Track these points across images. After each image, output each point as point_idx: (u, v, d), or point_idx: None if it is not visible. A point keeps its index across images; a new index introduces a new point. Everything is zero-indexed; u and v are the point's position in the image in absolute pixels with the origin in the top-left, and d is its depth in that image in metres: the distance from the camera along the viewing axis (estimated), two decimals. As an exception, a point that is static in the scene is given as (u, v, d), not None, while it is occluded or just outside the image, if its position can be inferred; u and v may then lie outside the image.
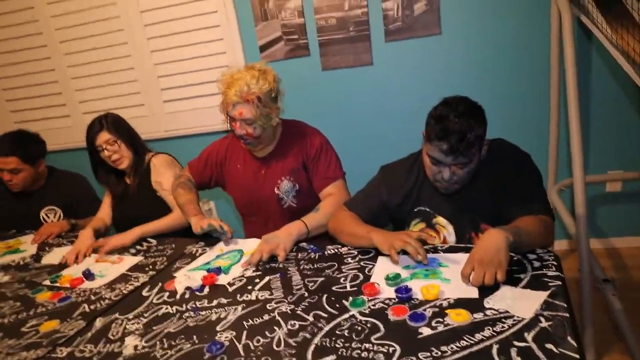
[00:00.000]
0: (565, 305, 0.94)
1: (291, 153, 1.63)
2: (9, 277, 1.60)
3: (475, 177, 1.32)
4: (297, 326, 1.02)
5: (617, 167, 2.45)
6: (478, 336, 0.88)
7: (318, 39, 2.53)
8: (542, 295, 0.97)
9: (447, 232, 1.37)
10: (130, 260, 1.58)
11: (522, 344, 0.84)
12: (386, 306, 1.04)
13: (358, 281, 1.17)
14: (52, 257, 1.73)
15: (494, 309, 0.96)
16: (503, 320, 0.92)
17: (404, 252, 1.30)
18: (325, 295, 1.13)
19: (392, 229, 1.51)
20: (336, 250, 1.40)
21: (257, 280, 1.28)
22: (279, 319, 1.06)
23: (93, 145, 1.87)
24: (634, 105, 2.34)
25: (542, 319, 0.90)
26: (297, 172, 1.63)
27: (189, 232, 1.84)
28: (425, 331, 0.92)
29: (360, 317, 1.01)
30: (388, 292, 1.09)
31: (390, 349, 0.89)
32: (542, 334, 0.86)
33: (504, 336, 0.87)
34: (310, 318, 1.04)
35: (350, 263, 1.29)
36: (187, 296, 1.25)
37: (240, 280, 1.30)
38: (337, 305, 1.07)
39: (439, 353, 0.85)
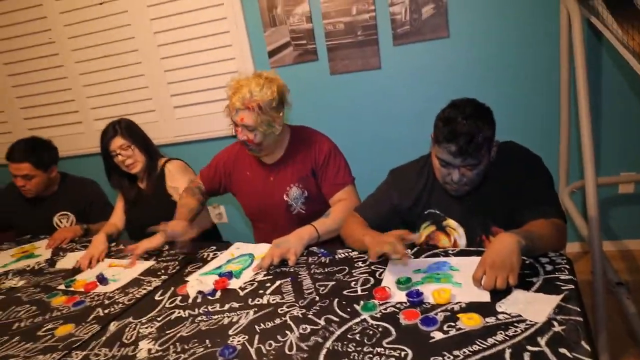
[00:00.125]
0: (579, 309, 0.93)
1: (300, 160, 1.64)
2: (25, 281, 1.63)
3: (486, 180, 1.32)
4: (308, 330, 1.03)
5: (629, 168, 2.43)
6: (490, 340, 0.88)
7: (326, 44, 2.54)
8: (555, 299, 0.97)
9: (458, 234, 1.37)
10: (142, 265, 1.60)
11: (536, 349, 0.83)
12: (397, 310, 1.04)
13: (369, 285, 1.18)
14: (66, 262, 1.75)
15: (506, 313, 0.95)
16: (515, 324, 0.91)
17: (416, 256, 1.31)
18: (336, 300, 1.13)
19: None
20: (347, 254, 1.40)
21: (268, 285, 1.29)
22: (291, 323, 1.07)
23: (107, 150, 1.90)
24: (646, 106, 2.32)
25: (555, 323, 0.90)
26: (306, 179, 1.64)
27: (203, 237, 1.87)
28: (437, 335, 0.92)
29: (371, 321, 1.01)
30: (399, 296, 1.10)
31: (402, 353, 0.89)
32: (555, 338, 0.86)
33: (516, 340, 0.87)
34: (322, 322, 1.05)
35: (360, 267, 1.30)
36: (199, 300, 1.27)
37: (252, 285, 1.31)
38: (349, 310, 1.08)
39: (451, 357, 0.85)
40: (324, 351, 0.94)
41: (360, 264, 1.32)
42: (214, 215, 2.50)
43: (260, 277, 1.34)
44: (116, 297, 1.38)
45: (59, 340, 1.17)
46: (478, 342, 0.88)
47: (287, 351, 0.96)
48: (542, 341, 0.85)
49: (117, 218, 2.03)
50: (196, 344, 1.05)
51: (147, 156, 1.94)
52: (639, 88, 2.27)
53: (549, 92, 2.36)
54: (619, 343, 1.82)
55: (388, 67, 2.52)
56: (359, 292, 1.15)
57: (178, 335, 1.10)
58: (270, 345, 1.00)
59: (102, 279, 1.49)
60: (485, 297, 1.02)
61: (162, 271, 1.52)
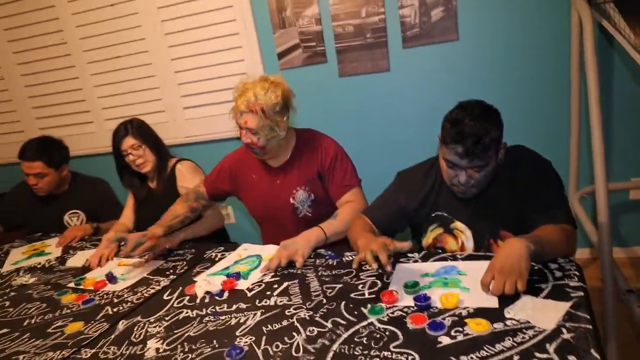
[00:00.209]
0: (588, 317, 0.92)
1: (306, 163, 1.64)
2: (35, 278, 1.65)
3: (495, 183, 1.32)
4: (315, 332, 1.03)
5: (640, 174, 2.40)
6: (498, 346, 0.87)
7: (335, 46, 2.54)
8: (564, 306, 0.96)
9: (465, 237, 1.36)
10: (151, 264, 1.61)
11: (544, 356, 0.83)
12: (405, 314, 1.04)
13: (376, 288, 1.17)
14: (76, 260, 1.77)
15: (514, 319, 0.95)
16: (524, 330, 0.91)
17: (423, 259, 1.30)
18: (343, 302, 1.13)
19: (410, 234, 1.51)
20: (354, 257, 1.40)
21: (276, 286, 1.29)
22: (298, 325, 1.07)
23: (119, 149, 1.92)
24: (658, 111, 2.29)
25: (564, 330, 0.89)
26: (313, 181, 1.64)
27: (211, 237, 1.88)
28: (445, 340, 0.92)
29: (378, 325, 1.01)
30: (406, 300, 1.09)
31: (410, 358, 0.89)
32: (564, 345, 0.85)
33: (525, 347, 0.86)
34: (329, 325, 1.05)
35: (368, 270, 1.29)
36: (207, 300, 1.28)
37: (259, 286, 1.31)
38: (356, 313, 1.08)
39: (459, 362, 0.85)
40: (330, 354, 0.94)
41: (367, 266, 1.32)
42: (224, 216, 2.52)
43: (267, 279, 1.35)
44: (125, 295, 1.39)
45: (68, 338, 1.19)
46: (486, 348, 0.87)
47: (294, 353, 0.97)
48: (551, 348, 0.84)
49: (127, 217, 2.05)
50: (204, 344, 1.05)
51: (158, 156, 1.96)
52: (651, 93, 2.25)
53: (559, 96, 2.34)
54: (629, 351, 1.80)
55: (397, 69, 2.52)
56: (367, 295, 1.15)
57: (186, 335, 1.11)
58: (277, 346, 1.00)
59: (111, 278, 1.51)
60: (493, 302, 1.02)
61: (171, 271, 1.53)
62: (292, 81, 2.63)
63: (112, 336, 1.16)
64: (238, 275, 1.38)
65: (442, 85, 2.49)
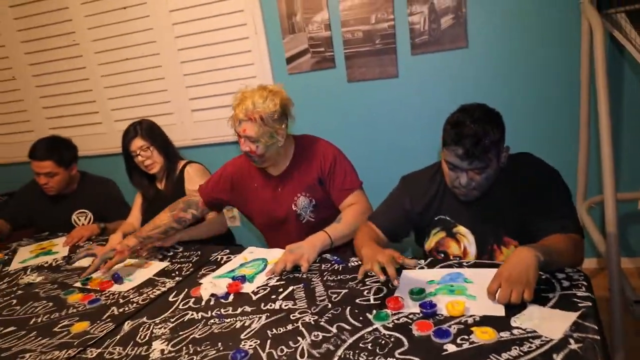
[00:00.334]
0: (596, 327, 0.91)
1: (306, 169, 1.64)
2: (42, 277, 1.66)
3: (499, 189, 1.31)
4: (320, 337, 1.03)
5: (649, 184, 2.38)
6: (505, 355, 0.87)
7: (344, 52, 2.55)
8: (572, 316, 0.95)
9: (468, 241, 1.36)
10: (157, 266, 1.62)
11: (551, 365, 0.82)
12: (410, 321, 1.03)
13: (382, 294, 1.17)
14: (83, 260, 1.78)
15: (521, 328, 0.94)
16: (531, 340, 0.90)
17: (429, 266, 1.30)
18: (348, 308, 1.13)
19: (414, 239, 1.51)
20: (360, 263, 1.39)
21: (281, 290, 1.29)
22: (303, 329, 1.07)
23: (128, 150, 1.94)
24: (668, 122, 2.27)
25: (571, 340, 0.88)
26: (313, 187, 1.64)
27: (217, 240, 1.89)
28: (450, 348, 0.92)
29: (384, 331, 1.01)
30: (412, 306, 1.09)
31: (415, 365, 0.88)
32: (571, 355, 0.84)
33: (531, 356, 0.85)
34: (334, 330, 1.05)
35: (374, 276, 1.29)
36: (212, 303, 1.28)
37: (265, 289, 1.31)
38: (361, 318, 1.08)
39: (464, 371, 0.85)
40: (335, 359, 0.94)
41: (373, 272, 1.31)
42: (228, 219, 2.52)
43: (273, 282, 1.35)
44: (131, 296, 1.40)
45: (74, 337, 1.19)
46: (492, 357, 0.87)
47: (298, 357, 0.97)
48: (558, 358, 0.84)
49: (134, 218, 2.06)
50: (208, 347, 1.05)
51: (166, 158, 1.98)
52: (661, 103, 2.23)
53: (569, 105, 2.33)
54: (636, 363, 1.78)
55: (405, 76, 2.52)
56: (372, 301, 1.15)
57: (191, 337, 1.11)
58: (282, 350, 1.00)
59: (117, 278, 1.51)
60: (499, 311, 1.01)
61: (176, 273, 1.54)
62: (301, 86, 2.68)
63: (118, 336, 1.16)
64: (243, 279, 1.38)
65: (451, 93, 2.48)
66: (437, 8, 2.36)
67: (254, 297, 1.27)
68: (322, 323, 1.08)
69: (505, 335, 0.93)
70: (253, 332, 1.09)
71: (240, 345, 1.04)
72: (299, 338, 1.04)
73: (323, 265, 1.41)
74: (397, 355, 0.92)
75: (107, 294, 1.44)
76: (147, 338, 1.14)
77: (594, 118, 2.15)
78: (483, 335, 0.93)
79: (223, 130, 2.86)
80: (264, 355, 0.99)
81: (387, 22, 2.44)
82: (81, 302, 1.40)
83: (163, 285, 1.45)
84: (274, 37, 2.65)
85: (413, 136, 2.60)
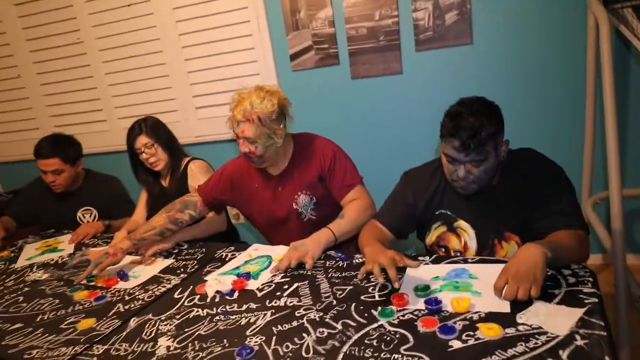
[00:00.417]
0: (602, 324, 0.91)
1: (305, 167, 1.64)
2: (48, 274, 1.67)
3: (501, 184, 1.31)
4: (325, 334, 1.03)
5: (655, 180, 2.37)
6: (510, 351, 0.86)
7: (348, 48, 2.55)
8: (578, 312, 0.95)
9: (468, 236, 1.36)
10: (162, 263, 1.63)
11: (557, 362, 0.82)
12: (415, 317, 1.03)
13: (386, 291, 1.17)
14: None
15: (526, 325, 0.94)
16: (536, 336, 0.90)
17: (433, 262, 1.30)
18: (353, 304, 1.13)
19: (416, 234, 1.51)
20: (364, 260, 1.40)
21: (286, 287, 1.29)
22: (308, 326, 1.07)
23: (132, 147, 1.95)
24: (674, 118, 2.26)
25: (577, 336, 0.88)
26: (313, 185, 1.64)
27: (221, 237, 1.89)
28: (456, 344, 0.91)
29: (389, 327, 1.01)
30: (417, 303, 1.09)
31: (420, 361, 0.88)
32: (577, 352, 0.84)
33: (537, 352, 0.85)
34: (339, 326, 1.05)
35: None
36: (217, 300, 1.28)
37: (269, 286, 1.32)
38: (366, 315, 1.08)
39: (470, 367, 0.84)
40: (340, 355, 0.94)
41: (374, 278, 1.31)
42: (232, 216, 2.52)
43: (277, 279, 1.35)
44: (136, 293, 1.41)
45: (80, 334, 1.20)
46: (497, 353, 0.86)
47: (304, 354, 0.97)
48: (564, 354, 0.84)
49: (139, 215, 2.07)
50: (214, 343, 1.06)
51: (170, 155, 1.98)
52: (668, 98, 2.22)
53: (574, 101, 2.32)
54: (642, 360, 1.77)
55: (409, 72, 2.52)
56: (377, 298, 1.15)
57: (196, 333, 1.11)
58: (287, 347, 1.00)
59: (122, 275, 1.52)
60: (505, 307, 1.01)
61: (181, 270, 1.54)
62: (304, 83, 2.68)
63: (124, 333, 1.17)
64: (248, 275, 1.38)
65: (455, 89, 2.44)
66: (442, 4, 2.34)
67: (259, 294, 1.28)
68: (327, 320, 1.08)
69: (510, 331, 0.92)
70: (258, 328, 1.10)
71: (246, 342, 1.04)
72: (304, 334, 1.04)
73: (328, 262, 1.42)
74: (403, 352, 0.92)
75: (112, 291, 1.45)
76: (152, 334, 1.14)
77: (600, 114, 2.14)
78: (488, 332, 0.92)
79: (227, 127, 2.87)
80: (269, 352, 0.99)
81: (391, 18, 2.43)
82: (87, 299, 1.41)
83: (168, 282, 1.46)
84: (277, 34, 2.65)
85: (417, 133, 2.59)
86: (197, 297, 1.32)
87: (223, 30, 2.71)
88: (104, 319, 1.26)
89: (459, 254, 1.38)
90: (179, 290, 1.38)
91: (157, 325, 1.18)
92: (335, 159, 1.63)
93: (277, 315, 1.15)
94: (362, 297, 1.16)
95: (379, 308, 1.09)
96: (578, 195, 2.34)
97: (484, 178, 1.27)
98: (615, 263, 1.69)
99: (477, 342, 0.91)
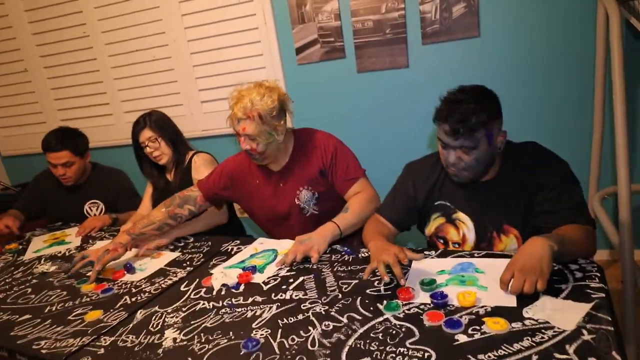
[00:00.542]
0: (610, 319, 0.90)
1: (306, 163, 1.64)
2: (56, 267, 1.69)
3: (501, 176, 1.31)
4: (331, 327, 1.03)
5: (664, 176, 2.34)
6: (516, 346, 0.86)
7: (354, 42, 2.53)
8: (585, 307, 0.94)
9: (467, 228, 1.36)
10: (168, 256, 1.63)
11: (563, 356, 0.82)
12: (421, 311, 1.03)
13: (392, 285, 1.17)
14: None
15: (533, 319, 0.93)
16: (543, 330, 0.90)
17: (439, 256, 1.30)
18: (359, 298, 1.13)
19: (417, 225, 1.51)
20: (369, 254, 1.39)
21: (292, 280, 1.30)
22: (313, 319, 1.08)
23: (137, 141, 1.95)
24: (685, 112, 2.23)
25: (584, 331, 0.87)
26: (315, 180, 1.63)
27: (222, 230, 1.89)
28: (462, 338, 0.91)
29: (394, 321, 1.01)
30: (423, 297, 1.09)
31: (426, 354, 0.88)
32: (584, 346, 0.83)
33: (543, 347, 0.85)
34: (345, 320, 1.05)
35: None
36: (223, 293, 1.29)
37: (275, 280, 1.32)
38: (372, 308, 1.08)
39: (476, 361, 0.84)
40: (346, 348, 0.94)
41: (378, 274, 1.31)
42: (238, 210, 2.52)
43: (283, 273, 1.35)
44: (143, 286, 1.42)
45: (88, 325, 1.21)
46: (504, 347, 0.86)
47: (309, 347, 0.97)
48: (571, 349, 0.83)
49: (145, 209, 2.08)
50: (220, 336, 1.06)
51: (174, 149, 1.98)
52: (678, 92, 2.19)
53: (582, 95, 2.29)
54: (649, 355, 1.76)
55: (416, 65, 2.50)
56: (382, 292, 1.15)
57: (202, 326, 1.12)
58: (293, 340, 1.00)
59: (129, 268, 1.53)
60: (511, 302, 1.00)
61: (187, 263, 1.55)
62: (310, 76, 2.67)
63: (131, 325, 1.18)
64: (254, 269, 1.39)
65: (462, 83, 2.40)
66: (449, -4, 2.32)
67: (265, 287, 1.28)
68: (332, 313, 1.09)
69: (517, 325, 0.92)
70: (264, 321, 1.10)
71: (252, 335, 1.05)
72: (310, 328, 1.04)
73: (333, 256, 1.42)
74: (408, 345, 0.92)
75: (119, 284, 1.46)
76: (159, 327, 1.15)
77: (609, 108, 2.12)
78: (495, 326, 0.92)
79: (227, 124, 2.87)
80: (275, 345, 1.00)
81: (398, 11, 2.41)
82: (94, 291, 1.42)
83: (174, 275, 1.47)
84: (283, 27, 2.63)
85: (423, 127, 2.56)
86: (203, 290, 1.32)
87: (229, 24, 2.71)
88: (111, 310, 1.27)
89: (457, 246, 1.39)
90: (185, 283, 1.39)
91: (163, 318, 1.19)
92: (337, 153, 1.63)
93: (282, 308, 1.15)
94: (367, 291, 1.16)
95: (385, 302, 1.09)
96: (585, 190, 2.33)
97: (476, 166, 1.26)
98: (622, 259, 1.68)
99: (483, 336, 0.91)
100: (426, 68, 2.49)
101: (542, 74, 2.34)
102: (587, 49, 2.21)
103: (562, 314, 0.93)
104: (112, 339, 1.13)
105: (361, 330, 1.00)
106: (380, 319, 1.03)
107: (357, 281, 1.23)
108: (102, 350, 1.08)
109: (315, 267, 1.36)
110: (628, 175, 1.64)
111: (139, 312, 1.24)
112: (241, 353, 0.99)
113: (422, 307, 1.05)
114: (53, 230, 2.15)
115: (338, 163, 1.62)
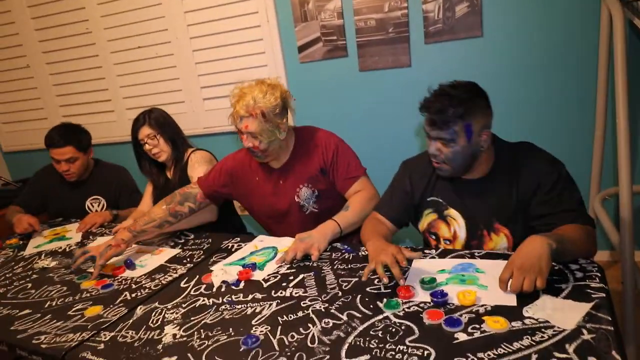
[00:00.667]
0: (610, 318, 0.90)
1: (307, 160, 1.64)
2: (56, 262, 1.69)
3: (495, 175, 1.31)
4: (331, 324, 1.03)
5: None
6: (516, 345, 0.86)
7: (357, 40, 2.53)
8: (585, 307, 0.94)
9: (458, 225, 1.36)
10: (169, 252, 1.64)
11: (563, 356, 0.82)
12: (421, 310, 1.03)
13: (392, 283, 1.17)
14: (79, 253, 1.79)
15: (533, 318, 0.93)
16: (543, 330, 0.89)
17: (440, 256, 1.30)
18: (359, 296, 1.13)
19: (413, 221, 1.51)
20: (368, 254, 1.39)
21: (292, 278, 1.30)
22: (313, 316, 1.08)
23: (136, 138, 1.95)
24: (687, 113, 2.22)
25: (584, 331, 0.87)
26: (315, 178, 1.64)
27: (218, 227, 1.88)
28: (461, 337, 0.91)
29: (394, 319, 1.01)
30: (423, 295, 1.09)
31: (425, 352, 0.88)
32: (584, 346, 0.83)
33: (543, 346, 0.85)
34: (344, 317, 1.05)
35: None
36: (223, 289, 1.29)
37: (275, 277, 1.32)
38: (371, 306, 1.08)
39: (475, 359, 0.84)
40: (346, 346, 0.94)
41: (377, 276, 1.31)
42: (239, 207, 2.53)
43: (283, 270, 1.35)
44: (143, 282, 1.42)
45: (88, 321, 1.21)
46: (503, 346, 0.86)
47: (309, 344, 0.97)
48: (570, 349, 0.83)
49: (146, 205, 2.08)
50: (220, 332, 1.07)
51: (173, 147, 1.98)
52: (681, 94, 2.18)
53: (585, 95, 2.29)
54: (648, 357, 1.76)
55: (418, 65, 2.49)
56: (382, 290, 1.15)
57: (202, 322, 1.12)
58: (292, 337, 1.01)
59: (129, 264, 1.53)
60: (511, 301, 1.00)
61: (188, 259, 1.55)
62: (312, 75, 2.67)
63: (131, 321, 1.18)
64: (254, 266, 1.39)
65: (464, 82, 2.44)
66: (452, -4, 2.32)
67: (265, 285, 1.28)
68: (332, 310, 1.09)
69: (517, 324, 0.92)
70: (264, 318, 1.10)
71: (251, 331, 1.05)
72: (310, 325, 1.04)
73: (333, 254, 1.42)
74: (408, 343, 0.92)
75: (119, 280, 1.46)
76: (159, 323, 1.15)
77: (611, 109, 2.11)
78: (494, 325, 0.92)
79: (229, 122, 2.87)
80: (274, 341, 1.00)
81: (401, 10, 2.41)
82: (94, 286, 1.43)
83: (175, 271, 1.47)
84: (285, 26, 2.63)
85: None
86: (203, 286, 1.33)
87: (231, 21, 2.71)
88: (111, 306, 1.28)
89: (447, 242, 1.39)
90: (185, 280, 1.39)
91: (163, 314, 1.19)
92: (338, 152, 1.63)
93: (282, 305, 1.15)
94: (367, 289, 1.16)
95: (385, 300, 1.09)
96: (586, 190, 2.33)
97: (454, 160, 1.26)
98: (623, 259, 1.68)
99: (482, 334, 0.91)
100: (429, 67, 2.49)
101: (544, 74, 2.34)
102: (589, 49, 2.20)
103: (562, 313, 0.93)
104: (112, 334, 1.13)
105: (361, 328, 1.00)
106: (380, 316, 1.03)
107: (357, 279, 1.23)
108: (101, 346, 1.08)
109: (315, 264, 1.36)
110: (630, 176, 1.64)
111: (139, 308, 1.24)
112: (241, 349, 0.99)
113: (422, 305, 1.05)
114: (53, 226, 2.16)
115: (339, 161, 1.62)
